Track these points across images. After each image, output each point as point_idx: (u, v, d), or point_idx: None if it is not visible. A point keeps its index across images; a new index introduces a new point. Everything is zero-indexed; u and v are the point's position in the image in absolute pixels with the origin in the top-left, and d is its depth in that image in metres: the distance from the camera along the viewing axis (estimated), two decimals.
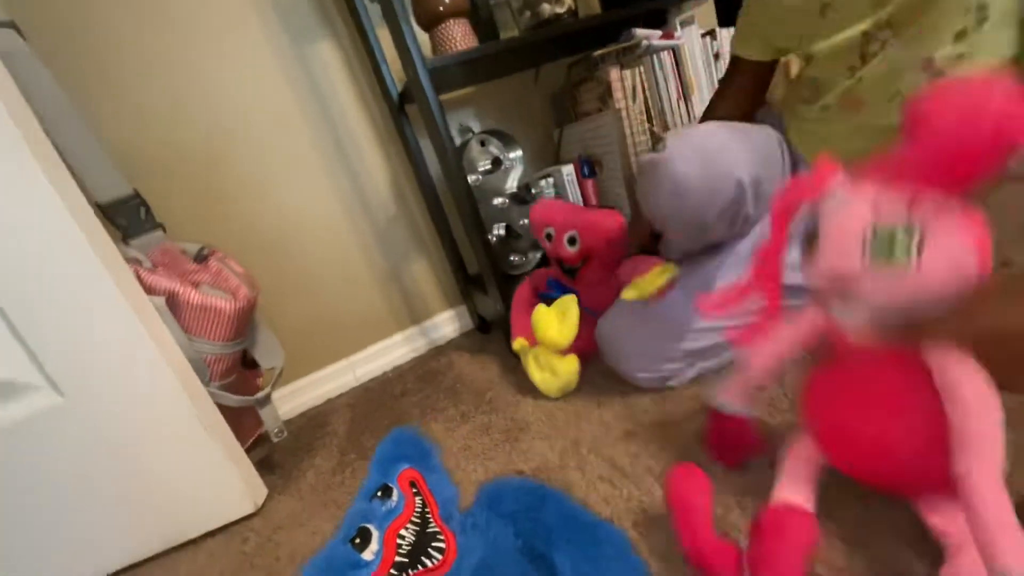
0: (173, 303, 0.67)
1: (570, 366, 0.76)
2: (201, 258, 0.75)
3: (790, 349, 0.46)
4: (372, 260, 1.11)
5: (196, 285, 0.70)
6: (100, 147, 0.70)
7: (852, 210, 0.35)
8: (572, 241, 0.80)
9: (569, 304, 0.74)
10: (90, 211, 0.63)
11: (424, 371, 1.06)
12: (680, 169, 0.54)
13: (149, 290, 0.66)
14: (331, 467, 0.81)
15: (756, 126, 0.63)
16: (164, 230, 0.76)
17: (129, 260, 0.66)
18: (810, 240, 0.38)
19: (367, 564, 0.40)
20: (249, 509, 0.74)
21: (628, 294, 0.69)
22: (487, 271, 0.91)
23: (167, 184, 0.89)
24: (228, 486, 0.72)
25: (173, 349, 0.66)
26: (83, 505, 0.67)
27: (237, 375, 0.79)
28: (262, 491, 0.77)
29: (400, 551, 0.41)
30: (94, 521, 0.68)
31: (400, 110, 1.02)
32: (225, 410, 0.78)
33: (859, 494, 0.45)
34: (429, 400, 0.92)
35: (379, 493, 0.45)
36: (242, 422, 0.87)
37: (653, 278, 0.67)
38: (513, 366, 0.93)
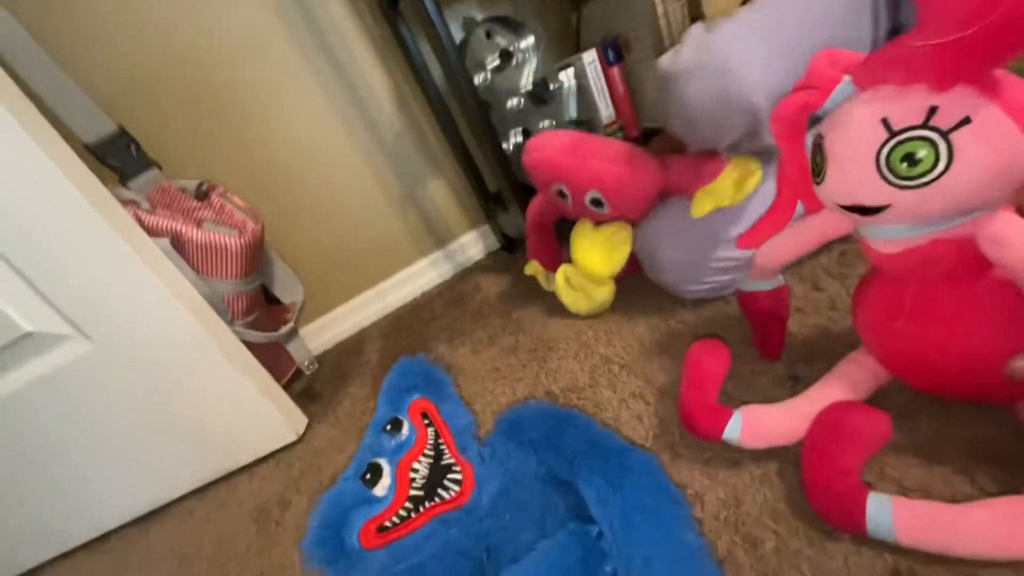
0: (178, 243, 0.65)
1: (606, 292, 0.68)
2: (202, 195, 0.72)
3: (806, 247, 0.41)
4: (386, 183, 1.05)
5: (199, 223, 0.67)
6: (73, 83, 0.65)
7: (860, 123, 0.28)
8: (597, 203, 0.63)
9: (622, 236, 0.63)
10: (73, 155, 0.59)
11: (451, 295, 1.03)
12: (688, 91, 0.45)
13: (151, 232, 0.64)
14: (366, 395, 0.82)
15: None
16: (160, 168, 0.73)
17: (125, 203, 0.64)
18: (817, 157, 0.31)
19: (380, 499, 0.38)
20: (291, 438, 0.76)
21: (702, 207, 0.53)
22: (505, 186, 0.83)
23: (155, 119, 0.84)
24: (268, 418, 0.74)
25: (186, 289, 0.65)
26: (138, 440, 0.71)
27: (260, 312, 0.79)
28: (302, 420, 0.79)
29: (414, 485, 0.40)
30: (153, 453, 0.73)
31: (392, 6, 0.89)
32: (260, 347, 0.79)
33: (929, 404, 0.38)
34: (456, 324, 0.90)
35: (388, 427, 0.43)
36: (279, 358, 0.88)
37: (730, 182, 0.52)
38: (539, 285, 0.88)
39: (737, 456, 0.43)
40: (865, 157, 0.28)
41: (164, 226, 0.65)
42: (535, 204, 0.77)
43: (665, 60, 0.48)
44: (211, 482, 0.79)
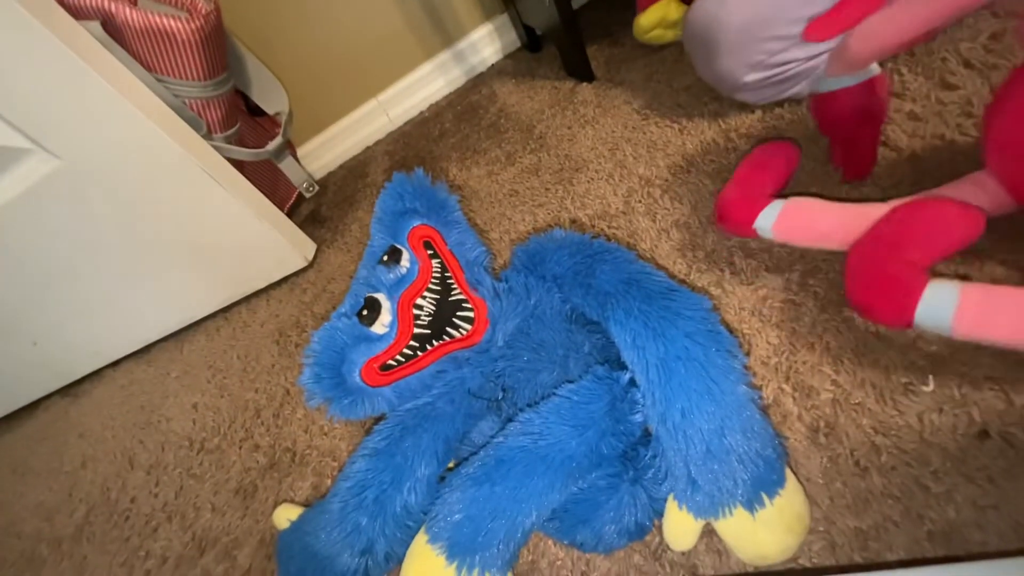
0: (112, 28, 0.51)
1: None
2: None
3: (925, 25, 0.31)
4: None
5: (133, 1, 0.52)
6: None
7: None
8: None
9: None
10: None
11: (463, 106, 0.89)
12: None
13: (76, 13, 0.50)
14: None
15: None
16: None
17: None
18: None
19: (380, 337, 0.34)
20: (301, 263, 0.73)
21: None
22: None
23: None
24: (273, 242, 0.70)
25: (136, 87, 0.54)
26: (147, 261, 0.68)
27: (243, 124, 0.68)
28: (310, 246, 0.75)
29: (419, 322, 0.35)
30: (167, 275, 0.71)
31: None
32: (254, 170, 0.71)
33: None
34: (469, 140, 0.78)
35: (386, 257, 0.36)
36: (278, 181, 0.81)
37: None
38: (570, 89, 0.73)
39: (799, 298, 0.36)
40: None
41: (91, 4, 0.50)
42: None
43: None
44: (232, 304, 0.79)
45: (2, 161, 0.57)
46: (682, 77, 0.60)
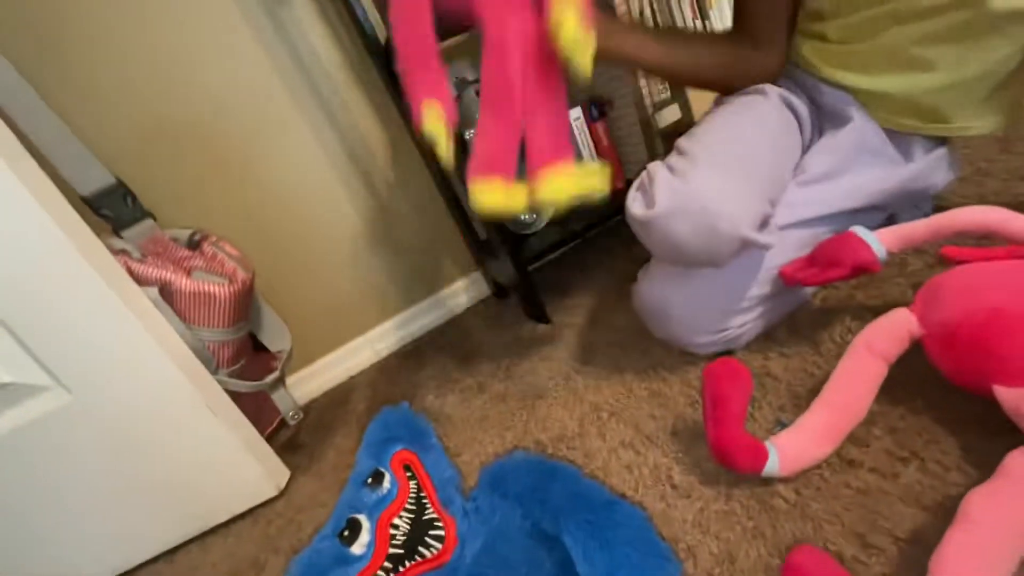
0: (167, 292, 0.65)
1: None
2: (193, 244, 0.73)
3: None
4: (376, 231, 1.06)
5: (189, 272, 0.67)
6: (74, 137, 0.67)
7: None
8: None
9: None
10: (67, 206, 0.60)
11: (442, 342, 1.03)
12: (672, 230, 0.48)
13: (140, 280, 0.64)
14: (351, 445, 0.79)
15: (756, 109, 0.58)
16: (154, 218, 0.74)
17: (116, 252, 0.64)
18: None
19: (358, 558, 0.36)
20: (272, 492, 0.73)
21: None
22: (494, 235, 0.85)
23: (149, 170, 0.86)
24: (248, 471, 0.71)
25: (173, 340, 0.64)
26: (110, 498, 0.67)
27: (247, 360, 0.78)
28: (284, 473, 0.76)
29: (394, 541, 0.38)
30: (124, 512, 0.69)
31: (387, 64, 0.94)
32: (245, 398, 0.77)
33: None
34: (445, 371, 0.89)
35: (370, 480, 0.41)
36: (263, 408, 0.86)
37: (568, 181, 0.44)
38: (531, 330, 0.88)
39: (728, 507, 0.42)
40: None
41: (154, 275, 0.65)
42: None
43: (635, 206, 0.50)
44: (182, 543, 0.74)
45: (12, 396, 0.62)
46: (622, 316, 0.76)
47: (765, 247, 0.48)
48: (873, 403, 0.42)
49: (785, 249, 0.53)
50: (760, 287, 0.54)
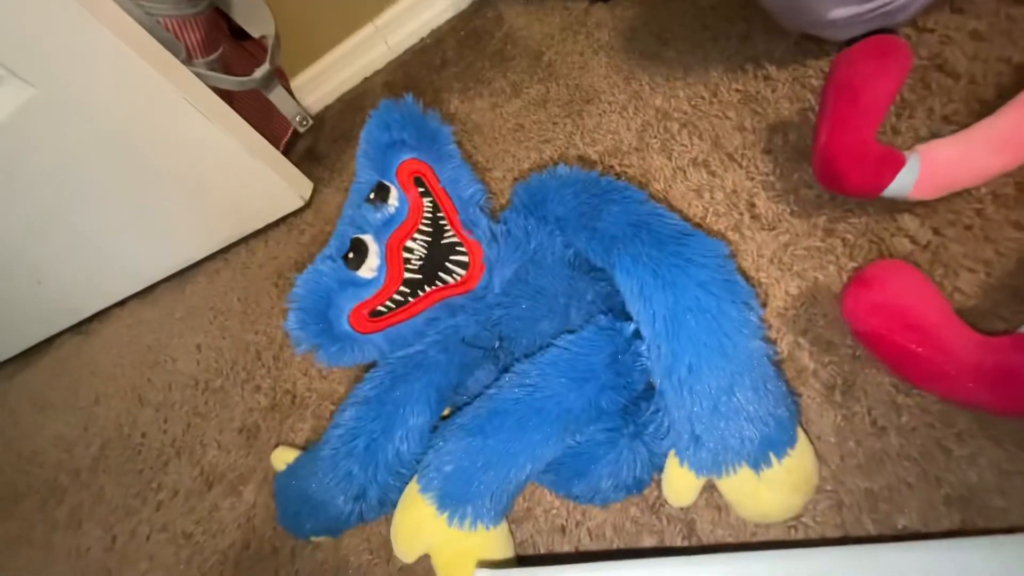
0: None
1: None
2: None
3: None
4: None
5: None
6: None
7: None
8: None
9: None
10: None
11: (467, 31, 0.81)
12: None
13: None
14: None
15: None
16: None
17: None
18: None
19: (368, 282, 0.32)
20: (298, 203, 0.71)
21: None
22: None
23: None
24: (267, 180, 0.67)
25: (124, 21, 0.50)
26: (140, 198, 0.66)
27: (228, 50, 0.63)
28: (306, 184, 0.72)
29: (409, 267, 0.33)
30: (162, 215, 0.69)
31: None
32: (245, 104, 0.66)
33: None
34: (472, 69, 0.72)
35: (372, 195, 0.33)
36: (272, 117, 0.76)
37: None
38: (582, 11, 0.66)
39: (825, 244, 0.33)
40: None
41: None
42: None
43: None
44: (231, 245, 0.77)
45: None
46: None
47: None
48: None
49: None
50: None
